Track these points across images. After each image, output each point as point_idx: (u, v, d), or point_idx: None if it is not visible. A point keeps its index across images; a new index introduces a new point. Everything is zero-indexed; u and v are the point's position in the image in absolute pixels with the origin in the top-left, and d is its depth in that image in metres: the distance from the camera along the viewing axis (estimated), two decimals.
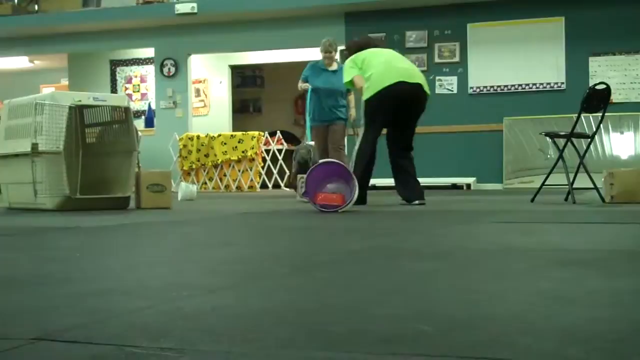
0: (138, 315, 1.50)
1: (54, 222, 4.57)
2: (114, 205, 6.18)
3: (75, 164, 6.39)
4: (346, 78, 6.84)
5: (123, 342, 1.26)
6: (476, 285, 1.88)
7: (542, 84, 11.76)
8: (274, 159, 12.63)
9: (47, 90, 13.72)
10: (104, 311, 1.55)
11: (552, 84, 11.72)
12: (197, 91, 14.69)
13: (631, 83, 11.50)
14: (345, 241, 3.26)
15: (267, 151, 12.57)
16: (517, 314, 1.47)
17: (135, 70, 14.90)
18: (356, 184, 5.32)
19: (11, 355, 1.19)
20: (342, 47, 12.54)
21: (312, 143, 9.13)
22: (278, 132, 13.00)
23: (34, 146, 5.95)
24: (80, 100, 6.27)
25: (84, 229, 4.07)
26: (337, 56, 9.87)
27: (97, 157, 6.64)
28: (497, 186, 11.79)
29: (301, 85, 9.45)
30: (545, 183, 6.75)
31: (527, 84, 11.81)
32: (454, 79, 12.18)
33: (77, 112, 6.52)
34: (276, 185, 12.60)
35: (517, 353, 1.16)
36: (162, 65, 13.79)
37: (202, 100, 14.78)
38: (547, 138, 7.01)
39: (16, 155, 6.25)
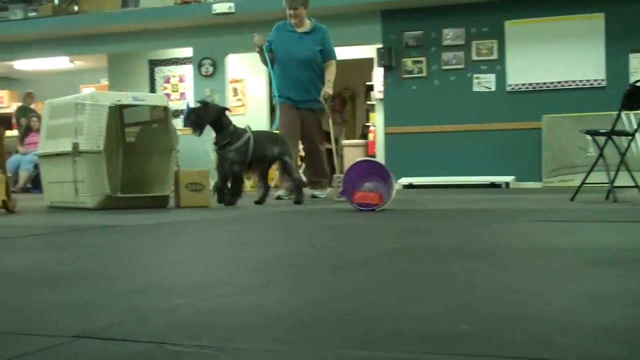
0: (177, 313, 1.51)
1: (94, 221, 4.62)
2: (153, 203, 6.23)
3: (115, 163, 6.47)
4: None
5: (162, 339, 1.26)
6: (516, 284, 1.87)
7: (581, 81, 11.62)
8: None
9: (87, 90, 13.88)
10: (144, 309, 1.56)
11: (591, 81, 11.58)
12: (235, 90, 14.76)
13: None
14: (383, 240, 3.25)
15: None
16: (558, 313, 1.46)
17: (174, 70, 15.01)
18: (394, 182, 5.29)
19: (53, 353, 1.21)
20: (379, 46, 12.57)
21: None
22: None
23: (75, 146, 6.02)
24: (120, 100, 6.34)
25: (124, 228, 4.11)
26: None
27: (137, 156, 6.71)
28: (536, 185, 11.68)
29: (260, 56, 7.47)
30: (586, 181, 6.66)
31: (567, 81, 11.68)
32: (491, 77, 12.08)
33: (117, 112, 6.59)
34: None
35: (557, 353, 1.15)
36: (200, 65, 13.87)
37: (240, 100, 14.85)
38: (587, 136, 6.93)
39: (57, 155, 6.33)
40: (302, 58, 7.33)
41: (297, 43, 7.37)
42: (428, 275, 2.07)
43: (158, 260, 2.55)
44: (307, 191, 7.41)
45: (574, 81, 11.65)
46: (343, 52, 13.93)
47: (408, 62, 12.47)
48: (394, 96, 12.54)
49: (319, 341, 1.26)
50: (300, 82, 7.34)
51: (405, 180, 11.86)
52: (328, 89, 7.39)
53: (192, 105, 14.18)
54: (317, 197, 7.48)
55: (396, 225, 4.11)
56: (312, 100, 7.41)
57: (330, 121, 8.06)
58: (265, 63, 7.57)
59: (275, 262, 2.43)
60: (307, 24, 7.46)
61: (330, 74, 7.43)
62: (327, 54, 7.47)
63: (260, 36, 7.46)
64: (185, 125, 6.60)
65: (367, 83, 14.69)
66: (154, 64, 15.08)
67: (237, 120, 14.88)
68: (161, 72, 15.08)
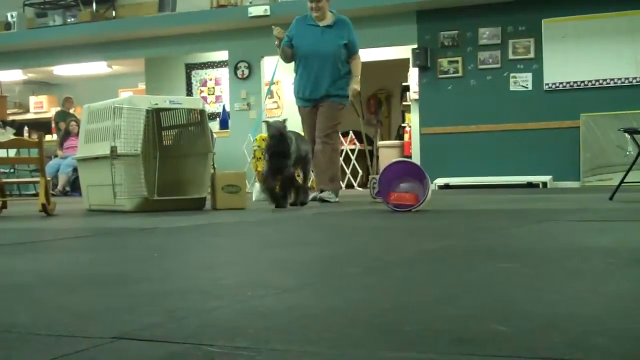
0: (214, 314, 1.52)
1: (132, 223, 4.66)
2: (190, 206, 6.28)
3: (153, 166, 6.52)
4: None
5: (199, 340, 1.27)
6: (553, 285, 1.85)
7: (619, 79, 11.48)
8: (347, 159, 12.64)
9: (125, 94, 14.02)
10: (181, 310, 1.57)
11: (630, 79, 11.43)
12: (271, 93, 14.81)
13: None
14: (419, 241, 3.24)
15: (340, 151, 12.60)
16: (595, 315, 1.44)
17: (210, 73, 15.11)
18: (429, 183, 5.27)
19: (91, 354, 1.22)
20: (414, 46, 12.53)
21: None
22: (350, 131, 13.01)
23: (113, 149, 6.08)
24: (157, 104, 6.40)
25: (161, 230, 4.15)
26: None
27: (174, 159, 6.76)
28: (574, 184, 11.56)
29: (279, 51, 7.14)
30: (625, 180, 6.58)
31: (604, 79, 11.54)
32: (528, 76, 11.98)
33: (154, 115, 6.65)
34: (349, 185, 12.60)
35: (595, 355, 1.13)
36: (235, 68, 13.95)
37: (276, 102, 14.89)
38: (626, 134, 6.84)
39: (96, 158, 6.40)
40: (326, 53, 6.95)
41: (320, 37, 6.99)
42: (463, 276, 2.06)
43: (195, 262, 2.56)
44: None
45: (612, 79, 11.51)
46: (378, 53, 13.93)
47: (444, 62, 12.42)
48: (429, 96, 12.49)
49: (354, 342, 1.26)
50: (322, 78, 6.98)
51: (441, 181, 11.81)
52: (356, 85, 7.03)
53: (227, 108, 14.29)
54: (327, 201, 7.02)
55: (432, 226, 4.09)
56: (333, 96, 7.05)
57: (362, 121, 7.90)
58: (284, 59, 7.29)
59: (310, 263, 2.44)
60: (329, 17, 7.06)
61: (357, 68, 7.07)
62: (352, 48, 7.09)
63: (281, 29, 7.13)
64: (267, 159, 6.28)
65: (403, 84, 14.63)
66: (190, 67, 15.19)
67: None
68: (197, 75, 15.20)
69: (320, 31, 7.00)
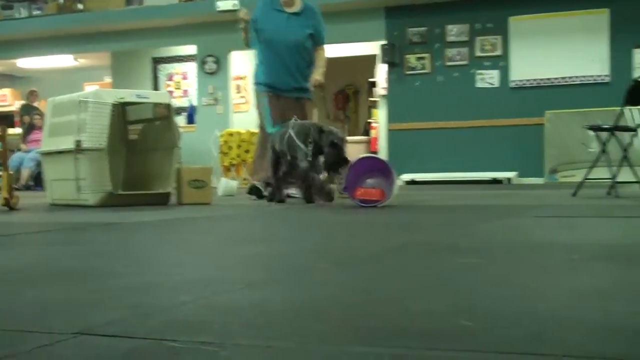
0: (179, 310, 1.51)
1: (96, 218, 4.62)
2: (155, 201, 6.24)
3: (118, 160, 6.47)
4: None
5: (163, 336, 1.26)
6: (517, 280, 1.86)
7: (585, 76, 11.61)
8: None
9: (90, 88, 13.89)
10: (145, 305, 1.56)
11: (595, 77, 11.56)
12: (238, 87, 14.76)
13: None
14: (385, 236, 3.24)
15: None
16: (559, 309, 1.45)
17: (177, 68, 15.03)
18: (395, 178, 5.29)
19: (54, 350, 1.21)
20: (383, 42, 12.55)
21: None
22: None
23: (78, 143, 6.02)
24: (123, 98, 6.34)
25: (126, 225, 4.11)
26: None
27: (139, 153, 6.72)
28: (538, 180, 11.67)
29: (244, 34, 6.76)
30: (588, 177, 6.66)
31: (570, 77, 11.67)
32: (495, 73, 12.08)
33: (120, 110, 6.59)
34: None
35: (558, 349, 1.14)
36: (203, 62, 13.88)
37: (243, 97, 14.85)
38: (590, 131, 6.92)
39: (60, 152, 6.33)
40: (291, 41, 6.64)
41: (285, 24, 6.68)
42: (430, 271, 2.07)
43: (160, 257, 2.55)
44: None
45: (577, 77, 11.64)
46: (347, 49, 13.94)
47: (411, 58, 12.47)
48: (397, 92, 12.54)
49: (321, 337, 1.26)
50: (287, 67, 6.67)
51: (407, 177, 11.86)
52: (318, 76, 6.71)
53: (194, 103, 14.22)
54: (293, 196, 6.76)
55: (398, 221, 4.10)
56: (300, 89, 6.75)
57: (326, 116, 7.73)
58: (248, 44, 6.90)
59: (277, 258, 2.43)
60: (297, 4, 6.76)
61: (321, 60, 6.77)
62: (319, 38, 6.81)
63: (248, 10, 6.79)
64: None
65: (371, 79, 14.69)
66: (157, 61, 15.10)
67: (241, 118, 14.89)
68: (164, 69, 15.10)
69: (285, 17, 6.69)
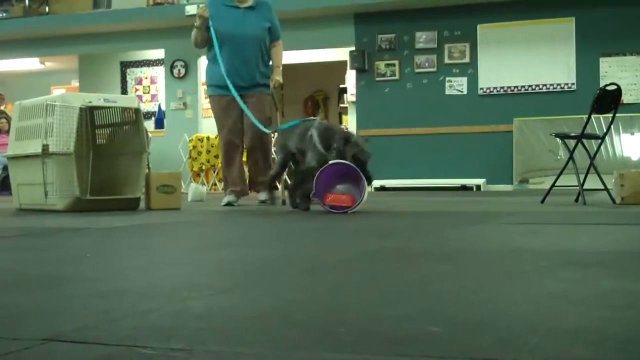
0: (148, 316, 1.51)
1: (64, 223, 4.58)
2: (124, 206, 6.20)
3: (86, 165, 6.42)
4: None
5: (133, 342, 1.26)
6: (486, 286, 1.88)
7: (552, 84, 11.74)
8: None
9: (58, 91, 13.77)
10: (115, 311, 1.55)
11: (562, 85, 11.70)
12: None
13: None
14: (355, 242, 3.26)
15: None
16: (527, 315, 1.47)
17: (146, 72, 14.95)
18: (366, 184, 5.30)
19: (21, 357, 1.20)
20: (352, 48, 12.59)
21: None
22: None
23: (45, 147, 5.97)
24: (90, 102, 6.30)
25: (94, 230, 4.08)
26: None
27: (108, 158, 6.67)
28: (506, 187, 11.77)
29: (196, 32, 6.61)
30: (556, 184, 6.73)
31: (538, 85, 11.80)
32: (463, 80, 12.17)
33: (88, 114, 6.55)
34: (287, 187, 12.58)
35: (525, 354, 1.16)
36: (172, 67, 13.82)
37: None
38: (558, 139, 7.00)
39: (27, 156, 6.27)
40: (251, 37, 6.48)
41: (242, 19, 6.51)
42: (399, 277, 2.08)
43: (129, 263, 2.53)
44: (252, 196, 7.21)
45: (544, 84, 11.77)
46: (316, 55, 13.97)
47: (381, 65, 12.53)
48: (366, 99, 12.58)
49: (290, 343, 1.26)
50: (249, 63, 6.50)
51: (377, 183, 11.90)
52: (278, 76, 6.63)
53: (163, 107, 14.15)
54: (266, 202, 6.70)
55: (368, 227, 4.12)
56: (261, 86, 6.63)
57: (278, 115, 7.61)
58: (198, 43, 6.72)
59: (247, 264, 2.43)
60: None
61: (279, 58, 6.69)
62: (275, 33, 6.70)
63: (207, 8, 6.59)
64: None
65: (340, 86, 14.72)
66: (125, 65, 15.01)
67: (210, 123, 14.81)
68: (133, 73, 15.01)
69: (241, 13, 6.52)
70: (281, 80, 6.69)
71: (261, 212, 5.72)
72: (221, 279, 2.10)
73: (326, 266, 2.35)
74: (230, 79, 6.42)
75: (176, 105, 13.83)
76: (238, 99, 6.40)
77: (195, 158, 12.68)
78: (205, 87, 14.29)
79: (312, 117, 5.79)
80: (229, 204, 6.67)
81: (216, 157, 12.47)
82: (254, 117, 6.37)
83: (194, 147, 12.68)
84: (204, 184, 12.14)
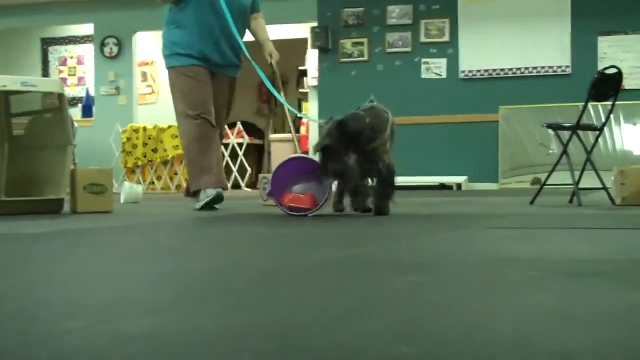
0: (73, 338, 1.49)
1: None
2: (44, 208, 6.14)
3: (0, 160, 6.34)
4: None
5: None
6: (466, 300, 1.89)
7: (543, 67, 11.86)
8: (234, 155, 12.61)
9: None
10: (31, 333, 1.53)
11: (555, 68, 11.82)
12: (144, 75, 14.63)
13: None
14: (314, 251, 3.26)
15: (225, 145, 12.55)
16: (513, 334, 1.48)
17: (71, 50, 14.82)
18: (331, 182, 5.28)
19: None
20: (314, 24, 12.59)
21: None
22: (238, 123, 12.98)
23: None
24: (5, 86, 6.22)
25: (8, 237, 4.04)
26: None
27: (25, 152, 6.60)
28: (491, 186, 11.87)
29: None
30: (547, 182, 6.79)
31: (527, 68, 11.91)
32: (442, 62, 12.24)
33: (2, 99, 6.47)
34: (236, 185, 12.57)
35: None
36: (102, 45, 13.71)
37: (150, 86, 14.72)
38: (550, 130, 7.07)
39: None
40: (238, 4, 6.36)
41: None
42: (365, 291, 2.08)
43: (50, 276, 2.51)
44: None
45: (535, 67, 11.88)
46: (272, 32, 13.94)
47: (347, 43, 12.55)
48: (330, 83, 12.60)
49: None
50: (228, 37, 6.31)
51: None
52: (274, 49, 6.55)
53: (92, 92, 14.03)
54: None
55: (331, 233, 4.12)
56: (235, 66, 6.54)
57: (281, 105, 7.20)
58: None
59: (188, 277, 2.42)
60: None
61: (266, 30, 6.63)
62: (257, 4, 6.66)
63: None
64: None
65: (300, 68, 14.72)
66: (47, 42, 14.86)
67: (147, 111, 14.78)
68: (56, 52, 14.87)
69: None
70: (278, 55, 6.56)
71: (206, 216, 5.69)
72: (158, 294, 2.08)
73: (279, 279, 2.35)
74: (198, 50, 6.27)
75: (107, 90, 13.73)
76: (268, 84, 6.18)
77: (130, 152, 12.60)
78: (140, 69, 14.25)
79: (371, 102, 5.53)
80: (213, 200, 6.18)
81: (154, 150, 12.41)
82: (227, 106, 6.52)
83: (128, 139, 12.60)
84: (140, 183, 12.08)
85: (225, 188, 6.42)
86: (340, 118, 5.04)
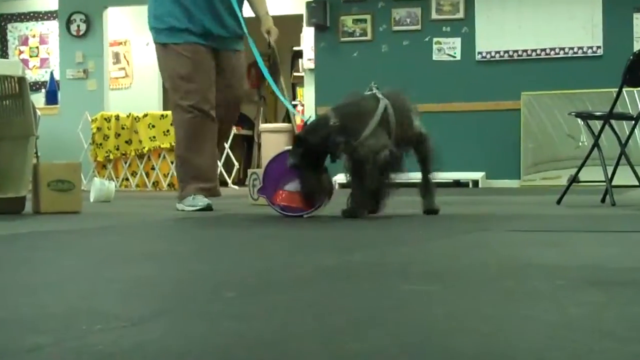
0: (36, 355, 1.50)
1: None
2: (3, 208, 6.14)
3: None
4: None
5: None
6: (483, 313, 1.90)
7: (572, 48, 11.84)
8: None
9: None
10: None
11: (585, 49, 11.81)
12: (116, 56, 14.61)
13: None
14: (313, 256, 3.26)
15: None
16: (537, 351, 1.48)
17: (33, 28, 14.79)
18: (330, 179, 5.27)
19: None
20: None
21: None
22: None
23: None
24: None
25: None
26: None
27: None
28: (512, 183, 11.86)
29: None
30: (576, 179, 6.78)
31: (553, 49, 11.89)
32: (456, 42, 12.23)
33: None
34: (222, 182, 12.56)
35: None
36: (68, 22, 13.70)
37: (123, 69, 14.70)
38: (579, 120, 7.07)
39: None
40: None
41: None
42: (370, 301, 2.09)
43: (10, 284, 2.51)
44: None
45: (562, 48, 11.87)
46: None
47: (348, 20, 12.54)
48: (328, 66, 12.59)
49: None
50: (224, 5, 6.09)
51: (342, 178, 11.91)
52: (273, 25, 6.34)
53: (57, 76, 14.01)
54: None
55: (331, 236, 4.13)
56: (239, 38, 6.30)
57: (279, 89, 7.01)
58: None
59: (170, 284, 2.43)
60: None
61: (264, 1, 6.44)
62: None
63: None
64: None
65: (294, 48, 14.70)
66: (5, 19, 14.84)
67: (119, 96, 14.77)
68: (16, 30, 14.85)
69: None
70: (275, 34, 6.35)
71: (188, 217, 5.69)
72: (135, 304, 2.09)
73: (273, 287, 2.35)
74: (205, 21, 6.05)
75: (74, 74, 13.71)
76: (264, 68, 6.07)
77: (101, 144, 12.58)
78: (112, 49, 14.23)
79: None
80: (205, 207, 5.99)
81: (128, 142, 12.40)
82: (238, 89, 6.27)
83: (99, 129, 12.58)
84: (112, 179, 12.06)
85: (217, 195, 6.28)
86: (299, 133, 5.07)
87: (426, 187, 5.49)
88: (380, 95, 5.27)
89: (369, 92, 5.36)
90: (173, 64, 6.07)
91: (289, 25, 13.92)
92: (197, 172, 6.07)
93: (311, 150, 5.00)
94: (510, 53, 12.01)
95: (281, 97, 6.24)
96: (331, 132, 4.99)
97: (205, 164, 6.11)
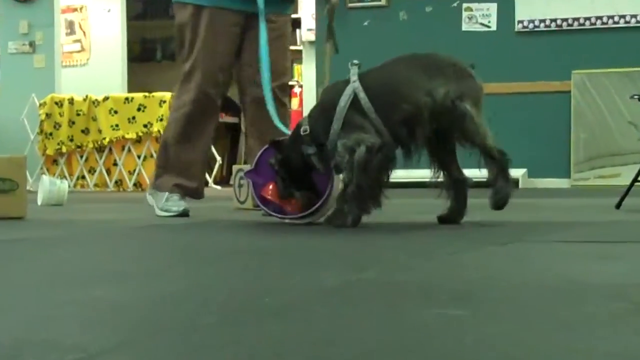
0: None
1: None
2: None
3: None
4: None
5: None
6: (524, 342, 1.91)
7: (634, 16, 11.83)
8: None
9: None
10: None
11: None
12: (70, 25, 14.63)
13: None
14: (313, 271, 3.27)
15: None
16: None
17: None
18: (334, 176, 5.22)
19: None
20: None
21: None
22: None
23: None
24: None
25: None
26: None
27: None
28: (561, 183, 11.87)
29: None
30: (639, 178, 6.79)
31: (611, 17, 11.89)
32: (492, 8, 12.24)
33: None
34: None
35: None
36: None
37: (79, 41, 14.72)
38: None
39: None
40: None
41: None
42: (383, 329, 2.10)
43: None
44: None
45: (622, 17, 11.86)
46: None
47: None
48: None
49: None
50: None
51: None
52: None
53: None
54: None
55: (334, 248, 4.13)
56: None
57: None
58: None
59: (136, 309, 2.43)
60: None
61: None
62: None
63: None
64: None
65: (292, 16, 14.72)
66: None
67: (74, 75, 14.83)
68: None
69: None
70: None
71: (160, 224, 5.70)
72: (94, 333, 2.10)
73: (264, 311, 2.36)
74: None
75: (18, 47, 13.73)
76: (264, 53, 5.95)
77: (51, 134, 12.60)
78: (65, 16, 14.21)
79: None
80: (181, 214, 5.98)
81: (85, 132, 12.39)
82: (280, 61, 6.36)
83: (48, 115, 12.59)
84: (65, 178, 12.07)
85: (199, 198, 6.31)
86: (275, 157, 5.09)
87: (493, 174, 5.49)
88: (354, 78, 5.23)
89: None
90: (191, 31, 6.05)
91: None
92: (182, 164, 6.08)
93: (293, 170, 5.04)
94: (559, 22, 12.01)
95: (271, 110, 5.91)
96: (303, 144, 5.01)
97: (195, 154, 6.13)
